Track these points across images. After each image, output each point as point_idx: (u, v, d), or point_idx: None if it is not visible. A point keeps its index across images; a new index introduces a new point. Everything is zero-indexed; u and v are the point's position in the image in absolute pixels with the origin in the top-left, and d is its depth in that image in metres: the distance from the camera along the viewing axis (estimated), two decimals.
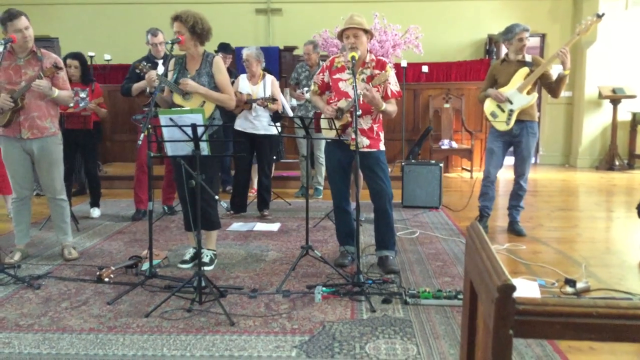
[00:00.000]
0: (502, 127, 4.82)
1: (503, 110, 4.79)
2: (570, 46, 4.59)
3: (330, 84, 4.01)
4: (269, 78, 5.62)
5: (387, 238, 4.07)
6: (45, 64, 4.09)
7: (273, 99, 5.39)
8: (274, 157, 5.88)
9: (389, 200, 4.00)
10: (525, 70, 4.71)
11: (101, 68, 9.09)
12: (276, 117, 5.58)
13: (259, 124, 5.55)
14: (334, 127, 3.81)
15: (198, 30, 3.85)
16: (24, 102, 4.02)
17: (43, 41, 8.39)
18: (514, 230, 5.04)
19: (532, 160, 5.05)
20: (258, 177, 5.78)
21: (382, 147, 4.02)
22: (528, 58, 4.78)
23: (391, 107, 3.91)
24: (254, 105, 5.44)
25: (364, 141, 3.92)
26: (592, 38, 8.98)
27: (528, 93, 4.71)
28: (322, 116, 3.92)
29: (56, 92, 4.11)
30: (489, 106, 4.89)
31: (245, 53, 5.54)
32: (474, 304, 1.37)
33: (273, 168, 6.88)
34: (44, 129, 4.14)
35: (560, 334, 1.12)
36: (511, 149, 4.99)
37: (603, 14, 4.58)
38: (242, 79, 5.59)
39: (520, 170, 4.94)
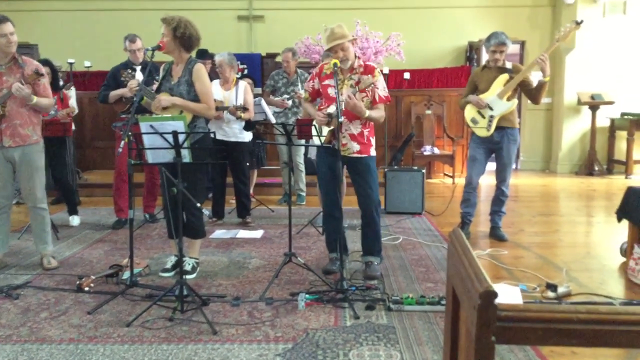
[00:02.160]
0: (482, 133, 4.85)
1: (483, 117, 4.83)
2: (550, 53, 4.64)
3: (321, 90, 4.01)
4: (242, 84, 5.54)
5: (372, 244, 4.08)
6: (26, 71, 4.05)
7: (244, 108, 5.31)
8: (248, 164, 5.82)
9: (376, 207, 3.99)
10: (505, 76, 4.75)
11: (81, 75, 8.99)
12: (248, 126, 5.55)
13: (230, 130, 5.51)
14: (319, 133, 3.79)
15: (178, 34, 3.82)
16: (5, 109, 3.97)
17: (22, 48, 8.23)
18: (495, 235, 5.07)
19: (513, 166, 5.10)
20: (234, 184, 5.71)
21: (373, 153, 4.01)
22: (508, 65, 4.83)
23: (376, 113, 3.89)
24: (225, 112, 5.36)
25: (354, 147, 3.92)
26: (571, 45, 9.11)
27: (508, 99, 4.74)
28: (314, 122, 3.90)
29: (35, 98, 4.06)
30: (469, 112, 4.93)
31: (217, 59, 5.49)
32: (457, 311, 1.37)
33: (255, 174, 6.86)
34: (26, 136, 4.10)
35: (542, 339, 1.13)
36: (493, 155, 5.03)
37: (582, 21, 4.65)
38: (215, 84, 5.51)
39: (501, 176, 4.98)
